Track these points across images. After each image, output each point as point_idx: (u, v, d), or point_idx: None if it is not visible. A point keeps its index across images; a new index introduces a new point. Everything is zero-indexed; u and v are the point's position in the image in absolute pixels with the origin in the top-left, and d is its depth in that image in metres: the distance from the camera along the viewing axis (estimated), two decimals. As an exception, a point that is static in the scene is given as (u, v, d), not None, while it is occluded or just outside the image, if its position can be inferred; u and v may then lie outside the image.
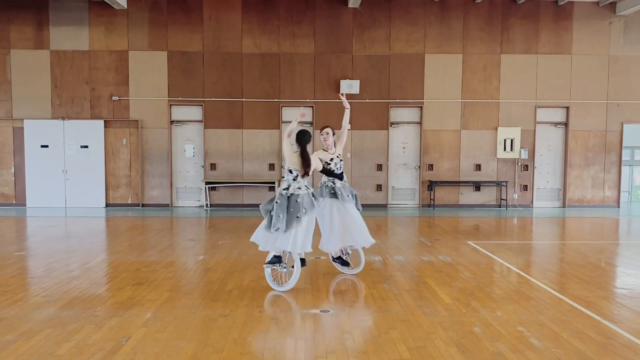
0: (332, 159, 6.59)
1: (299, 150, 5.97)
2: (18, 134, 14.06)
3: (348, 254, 6.86)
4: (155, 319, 5.01)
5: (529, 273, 7.02)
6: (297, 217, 5.82)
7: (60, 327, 4.78)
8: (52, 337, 4.51)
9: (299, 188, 5.91)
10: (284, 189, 5.97)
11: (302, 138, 6.01)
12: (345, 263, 6.80)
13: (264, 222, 5.97)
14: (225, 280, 6.52)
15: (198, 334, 4.60)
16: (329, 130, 6.63)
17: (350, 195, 6.62)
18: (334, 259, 6.85)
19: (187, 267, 7.33)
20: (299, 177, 5.94)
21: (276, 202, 5.87)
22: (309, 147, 6.06)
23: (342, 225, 6.40)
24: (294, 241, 5.81)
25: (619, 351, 4.27)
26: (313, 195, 6.10)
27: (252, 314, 5.18)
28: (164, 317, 5.07)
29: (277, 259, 6.00)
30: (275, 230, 5.79)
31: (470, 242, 9.26)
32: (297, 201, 5.85)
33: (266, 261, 6.06)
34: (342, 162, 6.75)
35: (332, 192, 6.53)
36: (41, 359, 4.07)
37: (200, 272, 6.95)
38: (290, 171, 5.95)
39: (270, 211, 5.89)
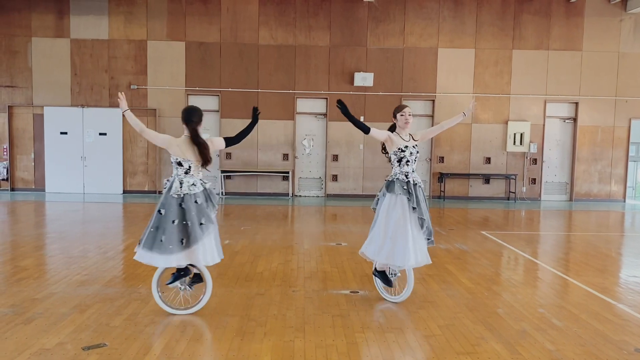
0: (406, 147, 5.13)
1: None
2: (38, 121, 14.34)
3: (394, 274, 5.35)
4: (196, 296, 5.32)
5: (543, 261, 7.33)
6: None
7: (108, 302, 5.09)
8: (103, 311, 4.83)
9: (193, 185, 4.64)
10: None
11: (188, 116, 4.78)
12: (387, 281, 5.26)
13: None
14: (254, 262, 6.83)
15: (239, 310, 4.92)
16: (410, 110, 5.17)
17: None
18: (377, 272, 5.36)
19: (215, 250, 7.64)
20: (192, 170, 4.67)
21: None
22: (199, 129, 4.82)
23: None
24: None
25: (635, 331, 4.58)
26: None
27: (287, 293, 5.49)
28: (204, 294, 5.37)
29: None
30: None
31: (483, 232, 9.56)
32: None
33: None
34: (418, 154, 5.23)
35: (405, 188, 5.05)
36: (99, 329, 4.38)
37: (229, 255, 7.24)
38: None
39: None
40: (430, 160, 14.89)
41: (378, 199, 5.23)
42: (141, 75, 14.32)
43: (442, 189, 14.72)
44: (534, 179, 15.04)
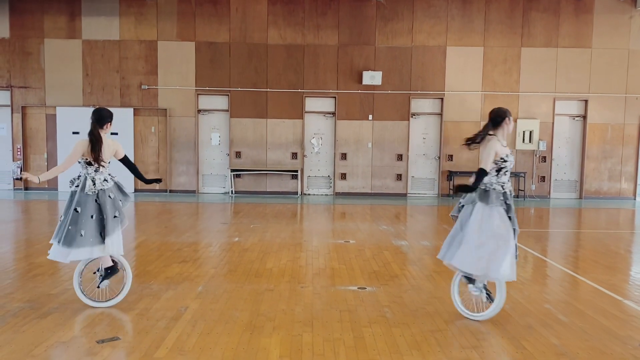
0: (507, 156, 4.65)
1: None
2: (51, 121, 14.55)
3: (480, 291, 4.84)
4: (207, 292, 5.43)
5: (552, 258, 7.36)
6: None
7: (121, 297, 5.21)
8: (116, 306, 4.94)
9: (105, 180, 4.96)
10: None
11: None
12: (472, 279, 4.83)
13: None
14: (263, 259, 6.93)
15: (249, 305, 5.01)
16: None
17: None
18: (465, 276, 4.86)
19: (225, 247, 7.75)
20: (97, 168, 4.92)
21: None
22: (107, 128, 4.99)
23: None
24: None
25: (640, 326, 4.62)
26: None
27: (295, 289, 5.58)
28: (215, 290, 5.48)
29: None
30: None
31: (491, 230, 9.57)
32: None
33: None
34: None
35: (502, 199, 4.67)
36: (112, 323, 4.50)
37: (239, 252, 7.36)
38: None
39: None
40: (439, 158, 14.91)
41: (461, 205, 4.79)
42: (152, 75, 14.47)
43: (451, 187, 14.73)
44: (543, 177, 15.02)
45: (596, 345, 4.15)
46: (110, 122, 5.07)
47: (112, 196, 4.95)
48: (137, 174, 5.34)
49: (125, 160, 5.27)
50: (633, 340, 4.27)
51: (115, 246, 4.95)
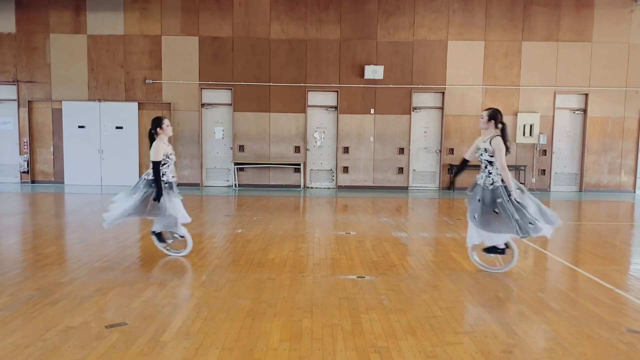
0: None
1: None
2: (57, 115, 14.75)
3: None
4: (211, 281, 5.61)
5: (548, 250, 7.51)
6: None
7: (128, 286, 5.39)
8: (123, 293, 5.13)
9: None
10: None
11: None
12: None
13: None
14: (266, 250, 7.10)
15: (251, 293, 5.19)
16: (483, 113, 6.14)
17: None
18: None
19: (229, 238, 7.93)
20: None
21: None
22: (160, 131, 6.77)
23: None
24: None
25: (629, 314, 4.78)
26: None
27: (296, 278, 5.75)
28: (218, 279, 5.66)
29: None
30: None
31: (490, 222, 9.72)
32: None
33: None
34: (483, 156, 6.26)
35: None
36: (120, 310, 4.68)
37: (242, 243, 7.54)
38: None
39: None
40: (440, 152, 15.05)
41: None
42: (156, 69, 14.64)
43: (451, 181, 14.85)
44: (544, 170, 15.14)
45: (584, 331, 4.31)
46: (160, 127, 6.67)
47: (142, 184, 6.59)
48: (156, 182, 6.56)
49: (155, 165, 6.56)
50: (621, 327, 4.43)
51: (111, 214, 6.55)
